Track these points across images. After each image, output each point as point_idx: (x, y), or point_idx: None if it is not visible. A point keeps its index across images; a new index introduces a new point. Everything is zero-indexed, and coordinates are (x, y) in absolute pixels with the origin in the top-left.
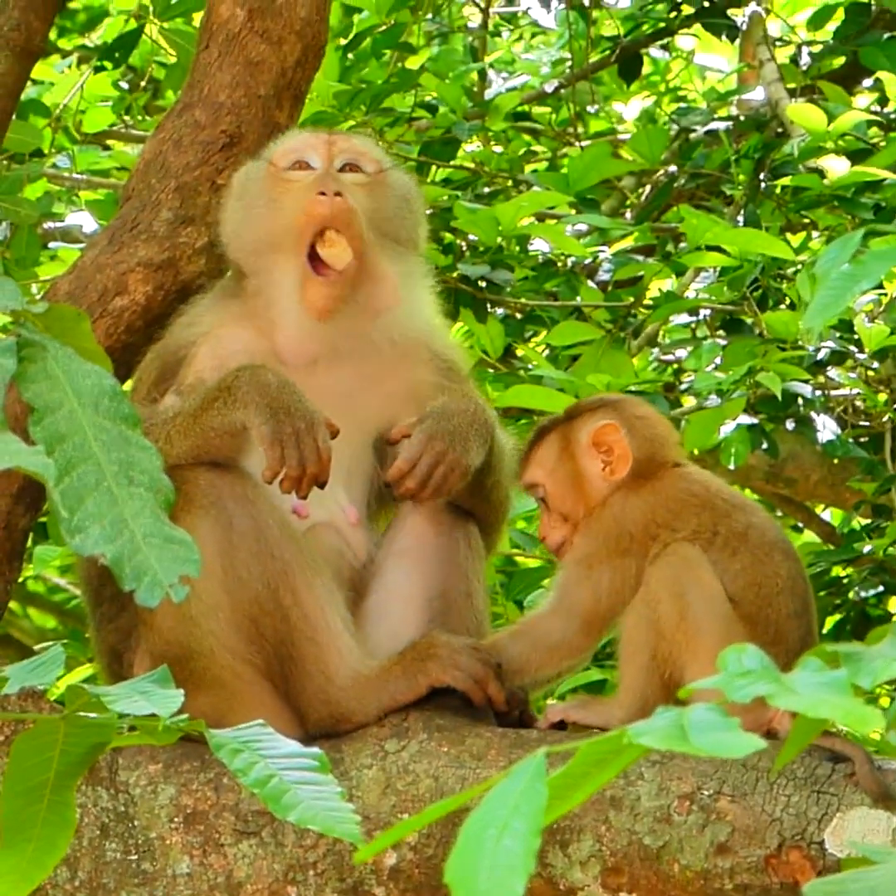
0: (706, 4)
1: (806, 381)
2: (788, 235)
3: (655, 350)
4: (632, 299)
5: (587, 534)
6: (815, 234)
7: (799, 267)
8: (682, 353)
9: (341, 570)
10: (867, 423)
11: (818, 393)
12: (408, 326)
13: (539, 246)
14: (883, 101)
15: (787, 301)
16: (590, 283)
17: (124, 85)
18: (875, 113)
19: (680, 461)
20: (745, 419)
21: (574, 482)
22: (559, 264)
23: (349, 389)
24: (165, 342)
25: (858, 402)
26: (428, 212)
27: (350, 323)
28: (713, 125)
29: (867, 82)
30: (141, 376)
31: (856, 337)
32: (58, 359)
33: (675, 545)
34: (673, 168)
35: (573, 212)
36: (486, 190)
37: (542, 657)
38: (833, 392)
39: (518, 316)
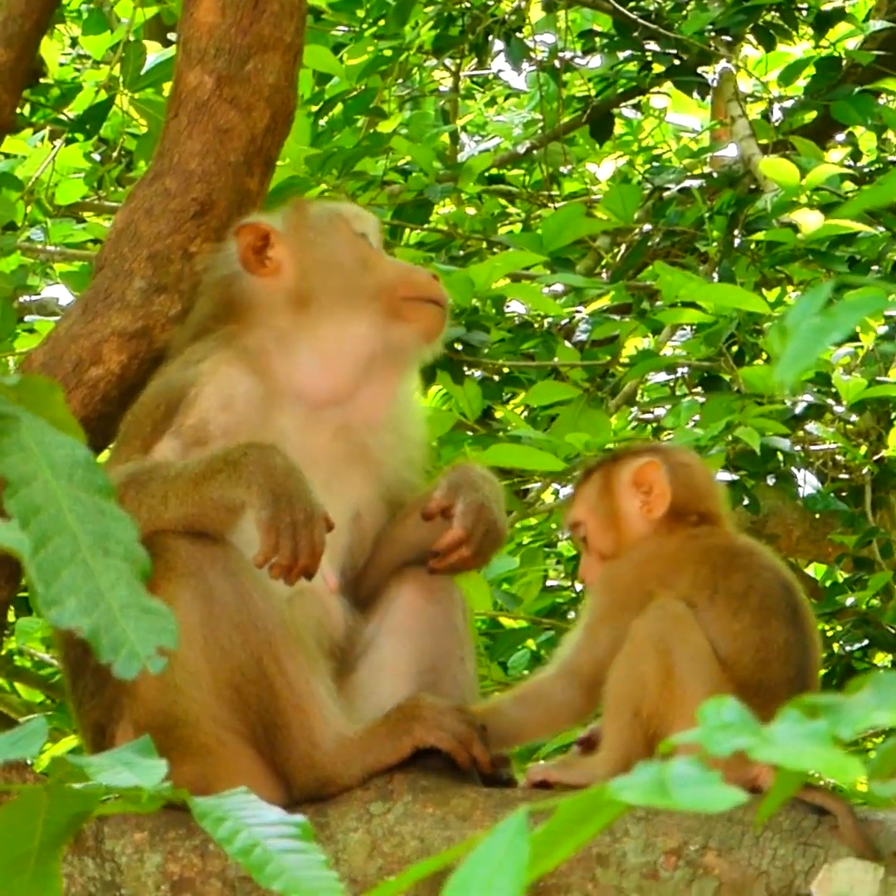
0: (676, 63)
1: (785, 436)
2: (764, 291)
3: (634, 409)
4: (608, 358)
5: (595, 593)
6: (790, 288)
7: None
8: (660, 411)
9: (321, 641)
10: (847, 476)
11: (797, 448)
12: (405, 422)
13: (515, 308)
14: (856, 155)
15: (764, 356)
16: (566, 343)
17: (96, 157)
18: (848, 167)
19: (716, 515)
20: (726, 476)
21: (613, 520)
22: (536, 325)
23: (338, 456)
24: (166, 381)
25: (838, 456)
26: None
27: (380, 387)
28: (686, 183)
29: (840, 137)
30: (138, 419)
31: (833, 390)
32: (31, 430)
33: (661, 600)
34: (647, 226)
35: (548, 272)
36: (461, 252)
37: (541, 719)
38: (812, 447)
39: (495, 378)
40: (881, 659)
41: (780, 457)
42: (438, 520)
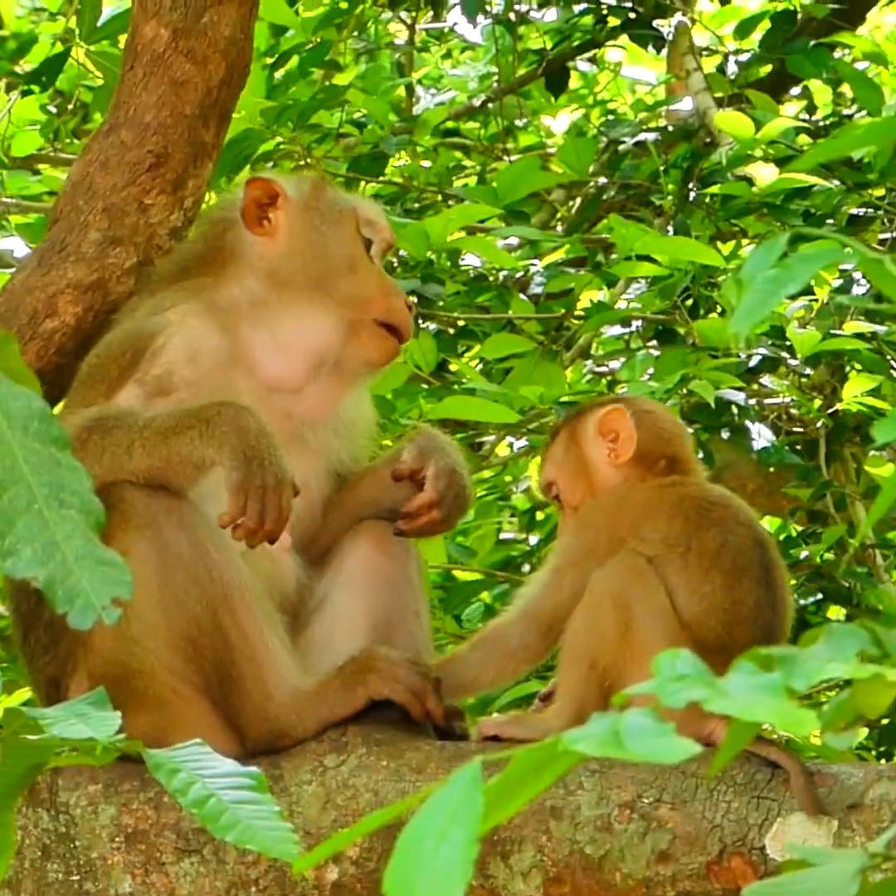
0: (632, 16)
1: (740, 389)
2: (718, 244)
3: (589, 362)
4: (563, 311)
5: (565, 535)
6: (744, 242)
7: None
8: (615, 364)
9: (273, 595)
10: (801, 430)
11: (752, 401)
12: (357, 415)
13: (470, 260)
14: (811, 109)
15: (719, 309)
16: (521, 296)
17: (52, 109)
18: (803, 120)
19: (684, 461)
20: None
21: (582, 472)
22: (491, 278)
23: (284, 434)
24: (134, 327)
25: (792, 410)
26: None
27: (326, 389)
28: (641, 136)
29: (795, 90)
30: (103, 363)
31: (788, 344)
32: None
33: (623, 553)
34: (602, 180)
35: (503, 225)
36: (416, 205)
37: (498, 662)
38: (767, 400)
39: (450, 330)
40: (835, 612)
41: (735, 410)
42: (394, 481)
